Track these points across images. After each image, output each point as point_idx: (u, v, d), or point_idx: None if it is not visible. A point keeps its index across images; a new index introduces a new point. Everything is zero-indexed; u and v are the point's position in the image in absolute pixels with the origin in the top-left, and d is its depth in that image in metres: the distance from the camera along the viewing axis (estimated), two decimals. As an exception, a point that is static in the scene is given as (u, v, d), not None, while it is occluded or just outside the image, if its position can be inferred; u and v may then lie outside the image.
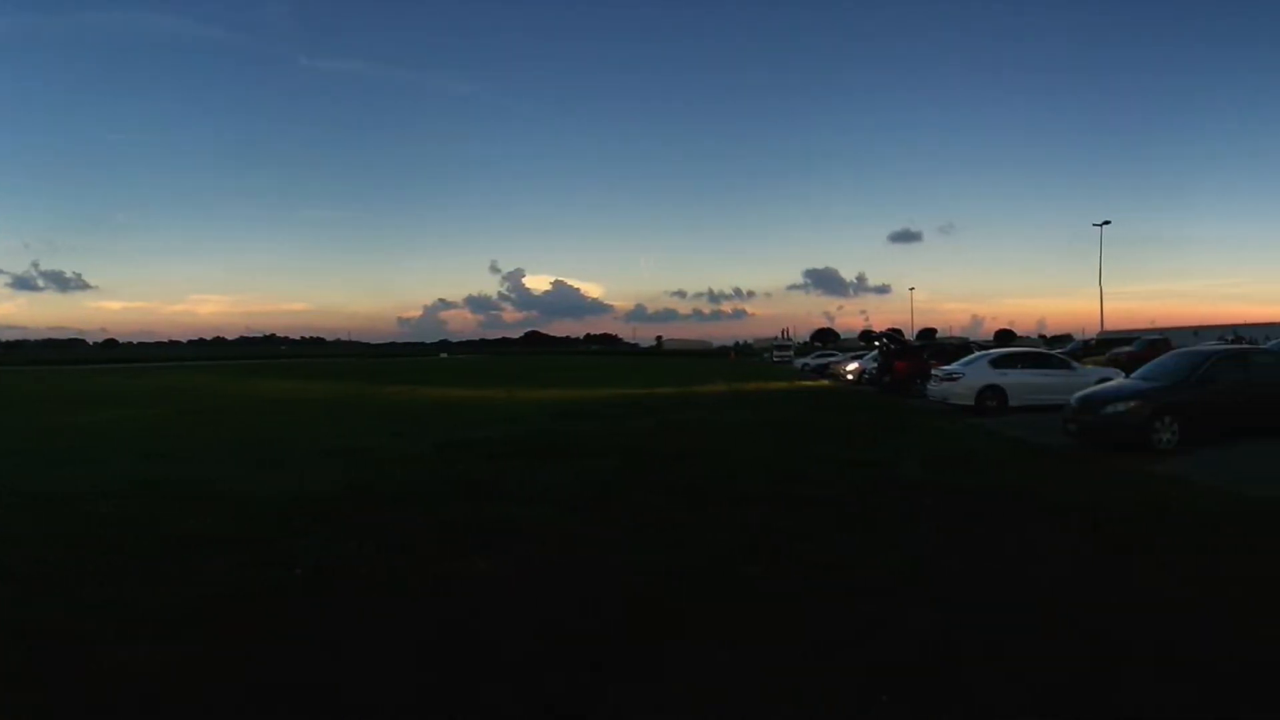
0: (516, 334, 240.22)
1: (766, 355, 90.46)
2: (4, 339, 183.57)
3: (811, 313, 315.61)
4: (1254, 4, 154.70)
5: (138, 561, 5.75)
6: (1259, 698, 3.46)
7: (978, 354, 20.71)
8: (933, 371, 20.32)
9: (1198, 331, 65.25)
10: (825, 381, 36.18)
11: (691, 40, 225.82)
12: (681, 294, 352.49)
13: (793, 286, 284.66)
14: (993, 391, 17.65)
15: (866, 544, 6.12)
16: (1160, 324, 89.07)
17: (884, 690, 3.51)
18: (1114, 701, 3.41)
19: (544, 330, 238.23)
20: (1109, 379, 15.78)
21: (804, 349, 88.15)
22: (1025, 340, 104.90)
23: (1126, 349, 34.92)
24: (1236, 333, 54.15)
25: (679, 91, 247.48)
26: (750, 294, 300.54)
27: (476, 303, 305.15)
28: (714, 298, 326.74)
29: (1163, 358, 13.99)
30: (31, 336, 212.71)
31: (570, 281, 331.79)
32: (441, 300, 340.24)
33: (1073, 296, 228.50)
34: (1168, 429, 11.33)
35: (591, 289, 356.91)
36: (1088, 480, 9.10)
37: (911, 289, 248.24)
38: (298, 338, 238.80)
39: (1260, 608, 4.58)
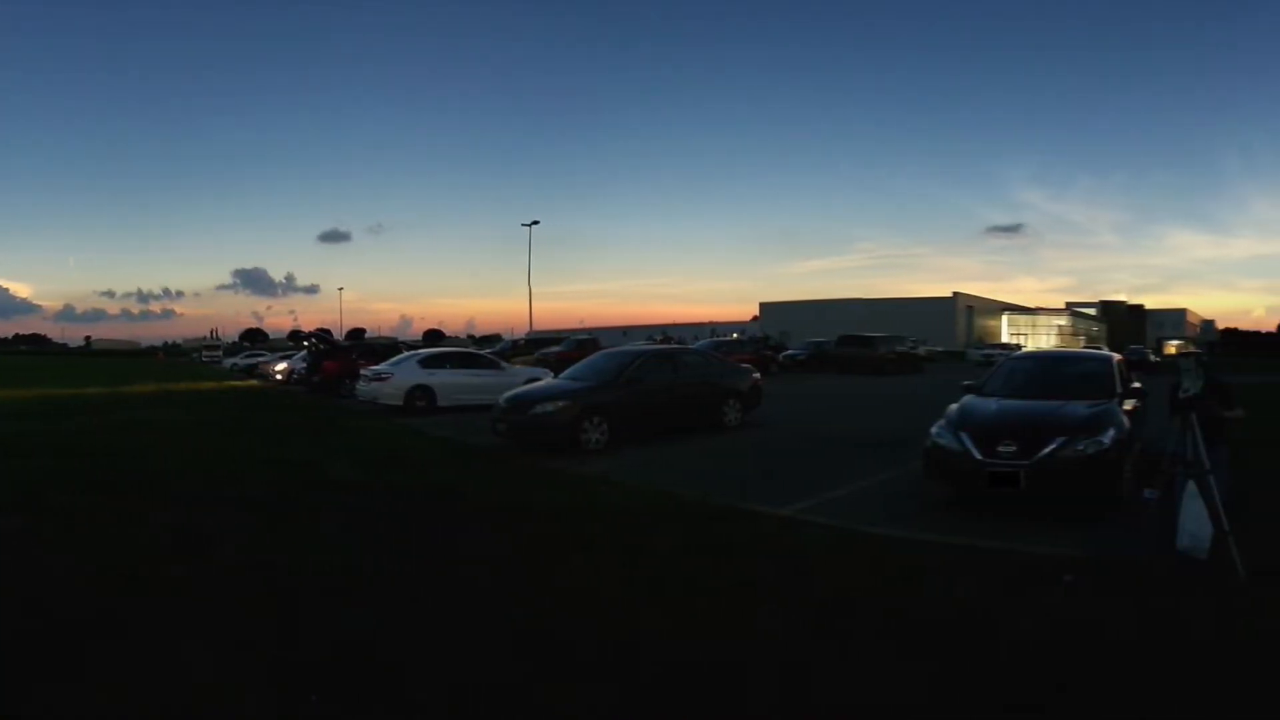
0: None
1: (196, 355, 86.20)
2: None
3: (241, 312, 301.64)
4: (658, 9, 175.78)
5: None
6: (685, 694, 3.54)
7: (407, 354, 20.46)
8: (362, 371, 19.55)
9: (627, 331, 73.28)
10: (255, 381, 34.38)
11: (118, 36, 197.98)
12: (110, 294, 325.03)
13: (222, 286, 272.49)
14: (422, 391, 17.40)
15: (299, 544, 6.05)
16: (590, 324, 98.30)
17: (313, 689, 3.52)
18: (536, 702, 3.46)
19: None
20: (538, 379, 15.91)
21: (233, 349, 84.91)
22: (454, 340, 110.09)
23: (555, 349, 34.01)
24: (665, 333, 60.76)
25: (107, 88, 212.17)
26: (179, 294, 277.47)
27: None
28: (143, 298, 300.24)
29: (592, 358, 14.15)
30: None
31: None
32: None
33: (504, 296, 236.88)
34: (596, 429, 11.27)
35: (20, 289, 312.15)
36: (518, 480, 9.04)
37: (340, 289, 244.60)
38: None
39: (681, 604, 4.62)
